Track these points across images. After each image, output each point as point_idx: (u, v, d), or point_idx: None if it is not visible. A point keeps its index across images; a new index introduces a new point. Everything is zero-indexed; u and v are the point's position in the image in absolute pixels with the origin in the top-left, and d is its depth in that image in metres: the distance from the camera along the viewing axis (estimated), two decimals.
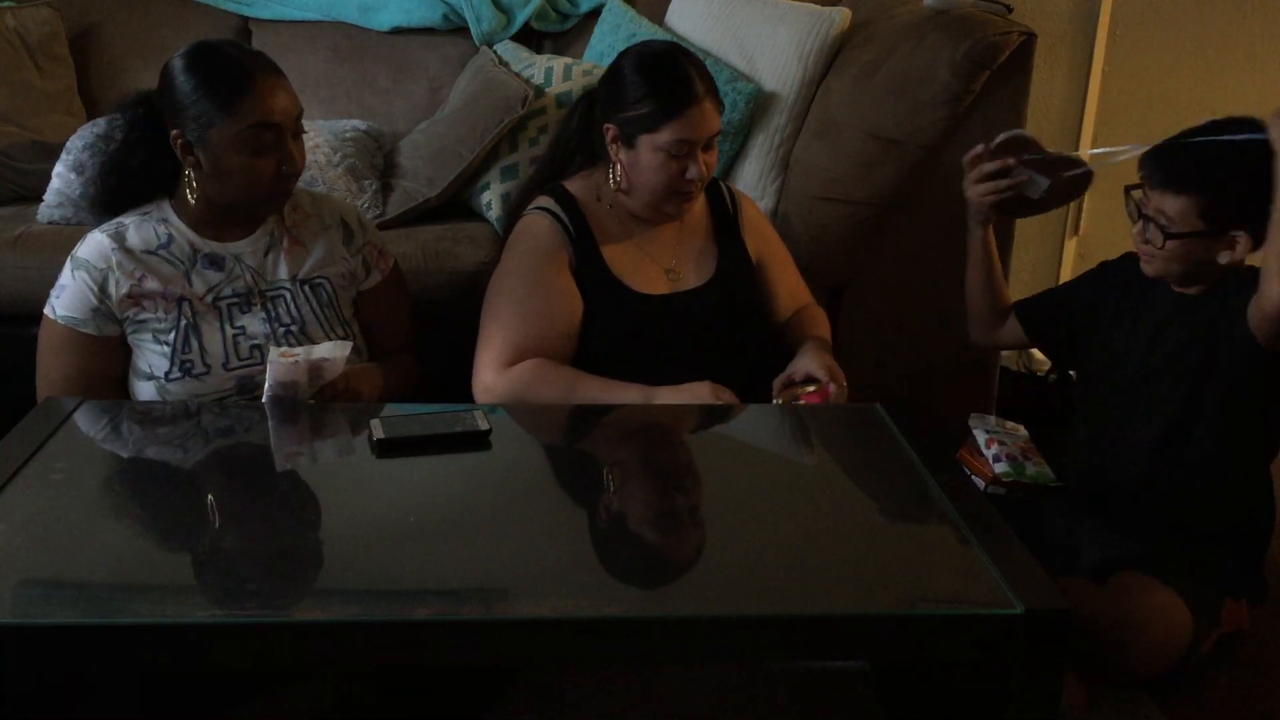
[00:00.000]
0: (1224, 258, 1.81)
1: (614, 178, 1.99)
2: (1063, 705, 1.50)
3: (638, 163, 1.94)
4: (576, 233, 1.97)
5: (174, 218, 1.85)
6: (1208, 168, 1.79)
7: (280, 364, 1.68)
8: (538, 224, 1.99)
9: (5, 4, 2.78)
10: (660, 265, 2.01)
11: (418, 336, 2.09)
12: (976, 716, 1.35)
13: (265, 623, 1.19)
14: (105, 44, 2.89)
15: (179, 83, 1.77)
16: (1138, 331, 1.94)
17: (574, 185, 2.04)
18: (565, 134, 2.10)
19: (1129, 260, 2.02)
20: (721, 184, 2.14)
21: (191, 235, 1.85)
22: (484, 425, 1.58)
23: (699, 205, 2.08)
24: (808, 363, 1.92)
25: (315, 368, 1.71)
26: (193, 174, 1.80)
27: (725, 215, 2.10)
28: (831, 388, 1.86)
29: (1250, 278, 1.80)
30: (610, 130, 1.96)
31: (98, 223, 1.87)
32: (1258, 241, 1.78)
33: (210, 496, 1.50)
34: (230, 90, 1.74)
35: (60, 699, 1.50)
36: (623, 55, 1.99)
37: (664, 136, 1.89)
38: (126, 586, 1.26)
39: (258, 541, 1.38)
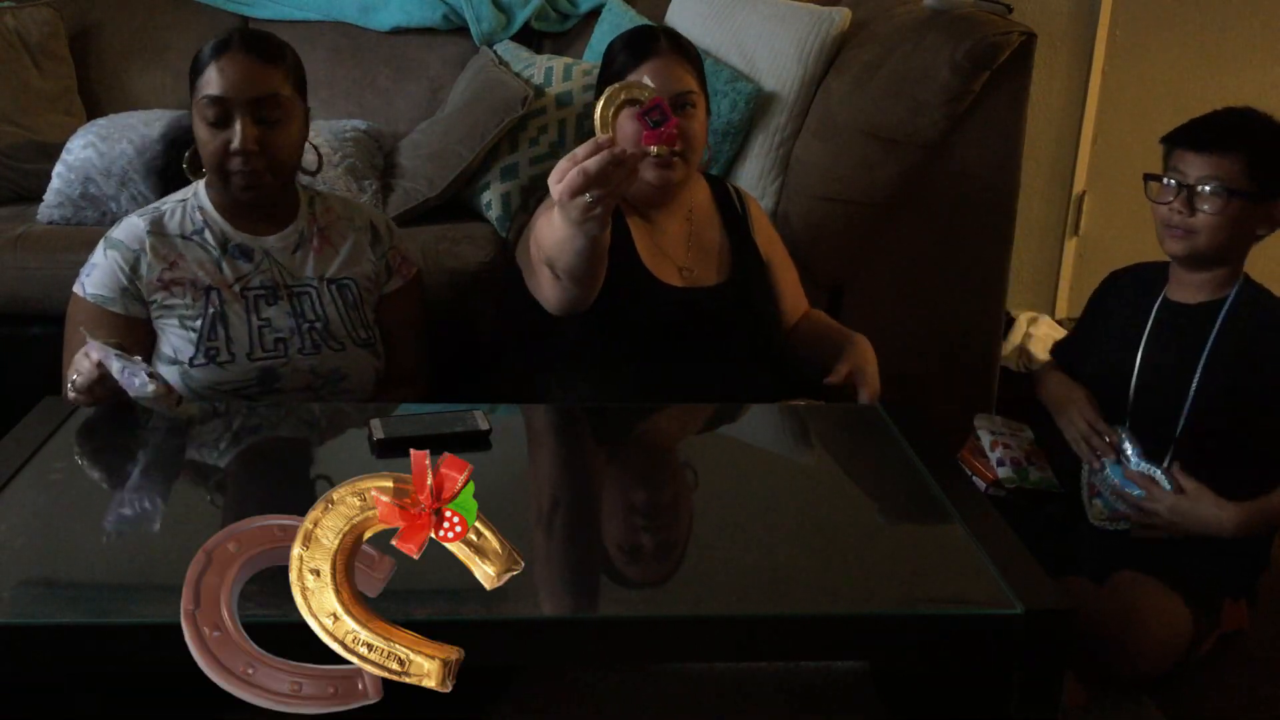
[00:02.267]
0: (1263, 229, 1.84)
1: None
2: (1063, 705, 1.50)
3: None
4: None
5: (208, 206, 1.87)
6: (1247, 129, 1.85)
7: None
8: None
9: (5, 4, 2.78)
10: (674, 262, 2.00)
11: (430, 359, 2.04)
12: (976, 716, 1.35)
13: (265, 623, 1.19)
14: (105, 44, 2.89)
15: None
16: (1129, 340, 1.95)
17: None
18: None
19: (1121, 275, 2.03)
20: (728, 184, 2.14)
21: (224, 225, 1.86)
22: (484, 425, 1.58)
23: (704, 201, 2.07)
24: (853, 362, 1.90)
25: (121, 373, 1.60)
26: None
27: (735, 214, 2.09)
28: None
29: (1265, 300, 1.84)
30: None
31: (151, 198, 1.92)
32: None
33: (210, 496, 1.50)
34: (198, 64, 1.80)
35: (60, 699, 1.50)
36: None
37: None
38: (126, 586, 1.27)
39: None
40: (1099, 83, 3.21)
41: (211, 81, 1.77)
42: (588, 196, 1.41)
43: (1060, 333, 3.10)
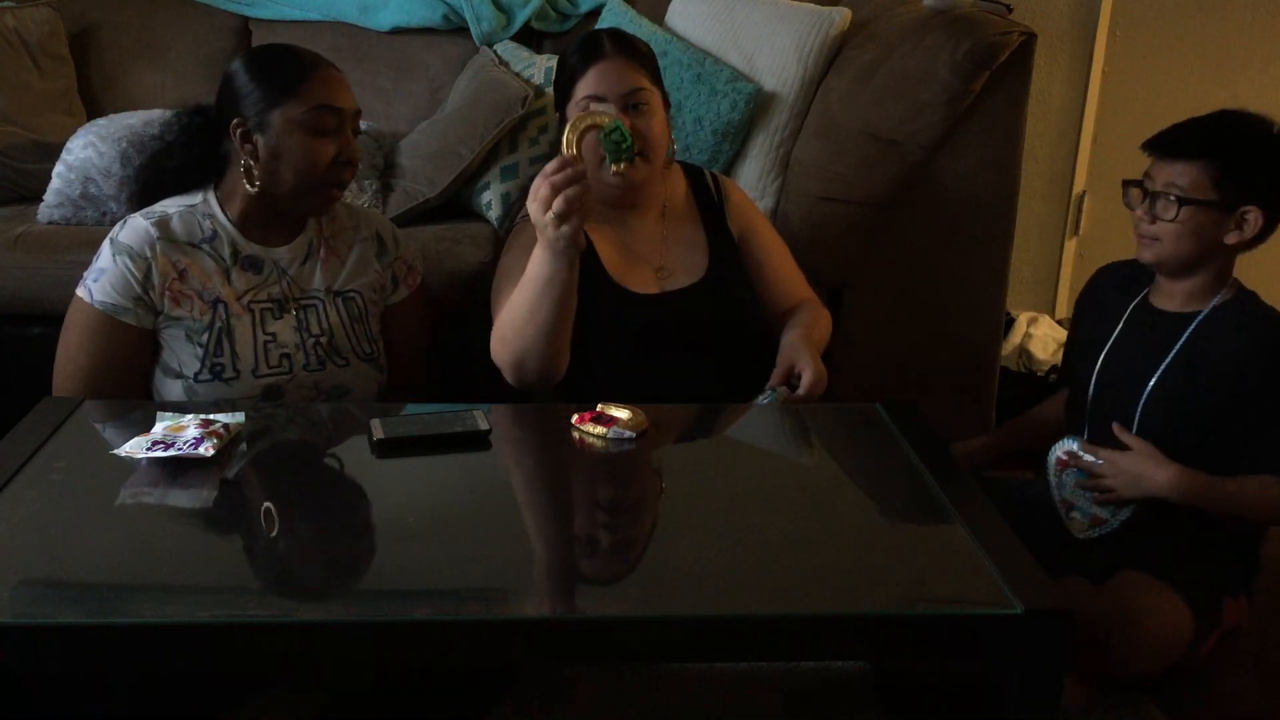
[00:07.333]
0: (1232, 237, 1.81)
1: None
2: (1063, 705, 1.50)
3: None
4: None
5: (220, 214, 1.84)
6: (1219, 136, 1.81)
7: None
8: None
9: (5, 4, 2.78)
10: (649, 264, 1.99)
11: (426, 370, 2.04)
12: (976, 716, 1.35)
13: (265, 623, 1.19)
14: (105, 44, 2.89)
15: (241, 74, 1.81)
16: (1099, 339, 1.95)
17: None
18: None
19: (1107, 271, 2.03)
20: (707, 172, 2.13)
21: (235, 234, 1.83)
22: (484, 425, 1.58)
23: (680, 194, 2.06)
24: (790, 356, 1.88)
25: None
26: (250, 164, 1.79)
27: (711, 204, 2.08)
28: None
29: (1238, 310, 1.83)
30: (560, 113, 2.00)
31: (131, 211, 1.86)
32: (1269, 220, 1.80)
33: (210, 496, 1.50)
34: (296, 73, 1.79)
35: (62, 698, 1.50)
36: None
37: (579, 94, 1.91)
38: (126, 586, 1.26)
39: (258, 541, 1.38)
40: (1099, 83, 3.21)
41: (318, 91, 1.77)
42: (555, 209, 1.62)
43: (1060, 333, 3.10)
